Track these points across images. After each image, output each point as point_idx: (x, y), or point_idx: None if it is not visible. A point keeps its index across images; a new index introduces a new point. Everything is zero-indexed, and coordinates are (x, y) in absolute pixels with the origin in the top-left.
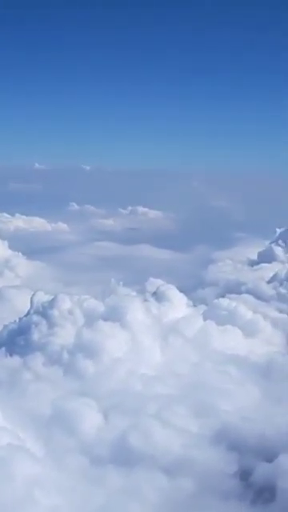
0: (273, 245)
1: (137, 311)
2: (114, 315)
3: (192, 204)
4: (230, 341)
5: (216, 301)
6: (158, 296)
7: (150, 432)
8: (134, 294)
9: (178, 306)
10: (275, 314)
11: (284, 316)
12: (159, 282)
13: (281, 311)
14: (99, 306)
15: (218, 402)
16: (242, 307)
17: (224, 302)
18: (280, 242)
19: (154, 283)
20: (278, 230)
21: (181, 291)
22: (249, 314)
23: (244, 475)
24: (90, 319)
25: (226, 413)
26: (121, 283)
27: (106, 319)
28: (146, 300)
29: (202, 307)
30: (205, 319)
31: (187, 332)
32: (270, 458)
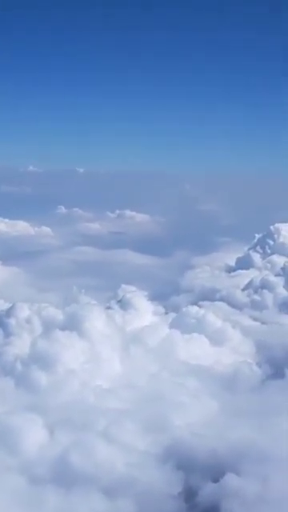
0: (251, 251)
1: (96, 320)
2: (72, 324)
3: (182, 207)
4: (196, 350)
5: (185, 309)
6: (123, 304)
7: (94, 449)
8: (95, 302)
9: (144, 314)
10: (248, 322)
11: (257, 324)
12: (131, 288)
13: (254, 319)
14: (58, 315)
15: (171, 417)
16: (211, 315)
17: (193, 309)
18: (258, 248)
19: (126, 290)
20: (257, 236)
21: (155, 298)
22: (218, 323)
23: (189, 496)
24: (48, 328)
25: (178, 428)
26: (83, 291)
27: (63, 328)
28: (110, 308)
29: (171, 315)
30: (173, 327)
31: (150, 341)
32: (218, 476)
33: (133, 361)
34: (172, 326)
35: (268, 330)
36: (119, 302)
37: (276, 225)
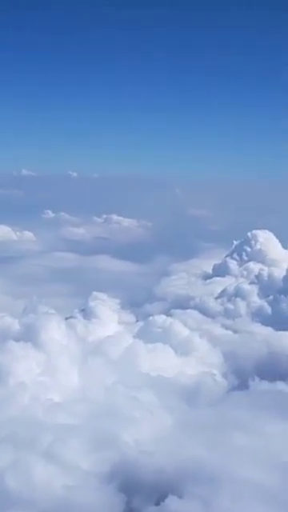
0: (228, 258)
1: (54, 330)
2: (27, 335)
3: (171, 212)
4: (159, 361)
5: (151, 318)
6: (86, 313)
7: (33, 470)
8: (53, 311)
9: (108, 323)
10: (219, 331)
11: (228, 333)
12: (103, 296)
13: (226, 328)
14: (14, 325)
15: (121, 433)
16: (178, 324)
17: (160, 318)
18: (235, 255)
19: (97, 297)
20: (235, 243)
21: (128, 306)
22: (185, 332)
23: None
24: (2, 339)
25: (126, 445)
26: (43, 300)
27: (18, 339)
28: (72, 317)
29: (139, 324)
30: (138, 337)
31: (111, 352)
32: (162, 498)
33: (90, 373)
34: (137, 335)
35: (239, 339)
36: (82, 310)
37: (253, 231)
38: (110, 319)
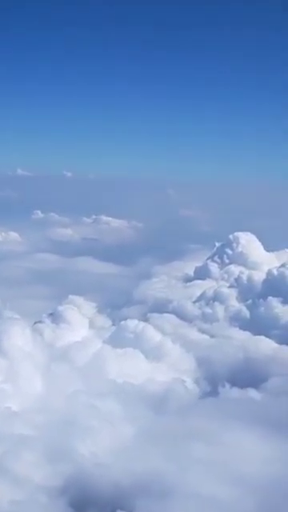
0: (209, 261)
1: (18, 336)
2: None
3: (162, 213)
4: (128, 367)
5: (123, 322)
6: (55, 317)
7: None
8: (18, 316)
9: (77, 328)
10: (195, 336)
11: (205, 337)
12: (79, 299)
13: (203, 332)
14: None
15: (77, 444)
16: (150, 329)
17: (132, 323)
18: (216, 257)
19: (73, 301)
20: (217, 245)
21: (105, 309)
22: (157, 337)
23: None
24: None
25: (82, 457)
26: (7, 304)
27: None
28: (41, 322)
29: (111, 329)
30: (108, 342)
31: (78, 358)
32: None
33: (53, 380)
34: (108, 340)
35: (215, 343)
36: (51, 315)
37: (235, 234)
38: (79, 324)
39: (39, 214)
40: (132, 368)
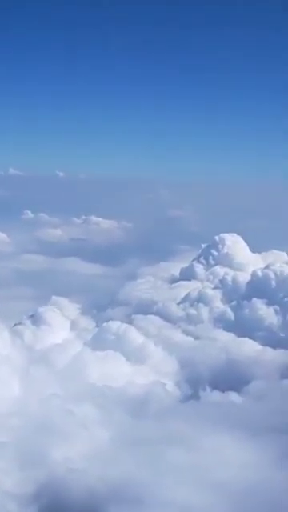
0: (195, 262)
1: None
2: None
3: (152, 213)
4: (108, 370)
5: (105, 324)
6: (35, 319)
7: None
8: None
9: (58, 330)
10: (179, 337)
11: (189, 339)
12: (63, 300)
13: (187, 334)
14: None
15: (51, 450)
16: (133, 331)
17: (114, 325)
18: (202, 259)
19: (57, 302)
20: (203, 246)
21: (89, 311)
22: (139, 339)
23: None
24: None
25: (55, 463)
26: None
27: None
28: (20, 324)
29: (94, 331)
30: (89, 345)
31: (57, 361)
32: None
33: (31, 384)
34: (89, 343)
35: (199, 345)
36: (32, 317)
37: (221, 235)
38: (60, 326)
39: (29, 214)
40: (112, 371)
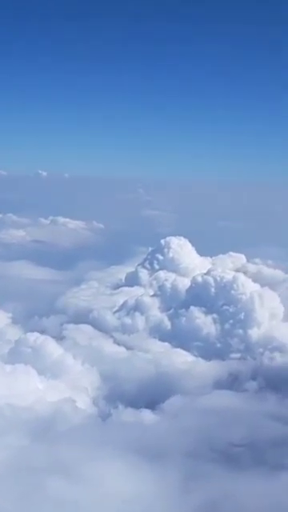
0: (139, 267)
1: None
2: None
3: (125, 213)
4: (16, 386)
5: (23, 336)
6: None
7: None
8: None
9: None
10: (110, 348)
11: (121, 349)
12: None
13: (119, 344)
14: None
15: None
16: (51, 343)
17: (32, 336)
18: (146, 263)
19: None
20: (150, 249)
21: (23, 320)
22: (57, 352)
23: None
24: None
25: None
26: None
27: None
28: None
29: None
30: (7, 358)
31: None
32: None
33: None
34: (4, 356)
35: (128, 357)
36: None
37: (167, 238)
38: None
39: None
40: (20, 387)
